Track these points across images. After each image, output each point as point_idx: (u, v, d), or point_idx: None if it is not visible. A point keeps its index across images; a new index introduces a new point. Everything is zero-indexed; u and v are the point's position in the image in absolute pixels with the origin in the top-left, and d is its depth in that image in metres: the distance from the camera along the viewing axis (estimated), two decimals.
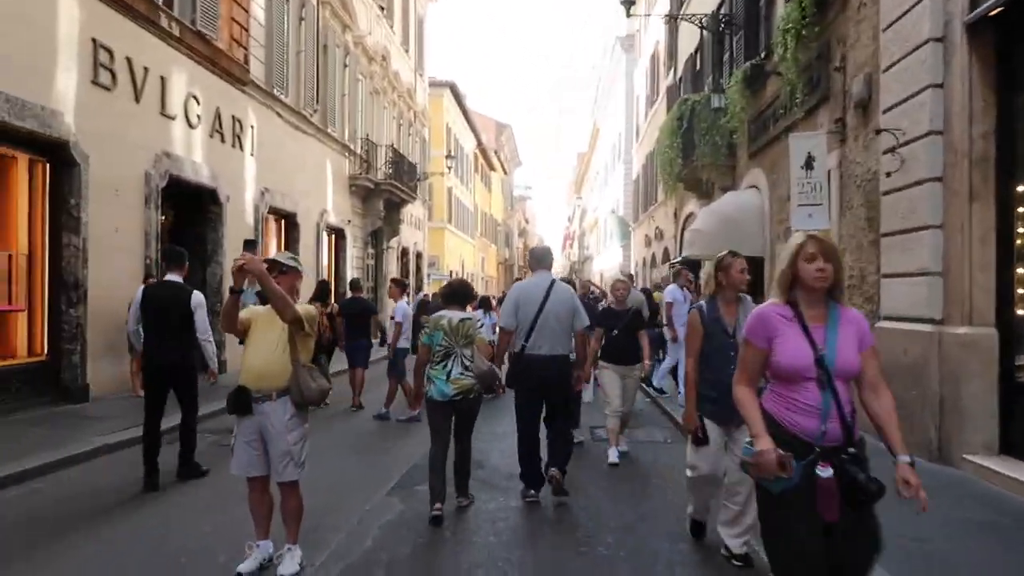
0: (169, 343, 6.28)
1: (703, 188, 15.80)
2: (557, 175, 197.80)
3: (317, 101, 18.45)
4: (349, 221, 21.16)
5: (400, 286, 10.38)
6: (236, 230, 13.91)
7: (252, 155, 14.75)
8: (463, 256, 46.00)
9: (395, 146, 25.63)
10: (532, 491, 5.75)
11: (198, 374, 6.64)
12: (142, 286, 6.93)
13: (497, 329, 6.18)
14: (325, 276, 18.34)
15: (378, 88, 24.29)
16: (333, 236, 20.77)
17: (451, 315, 5.38)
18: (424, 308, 11.79)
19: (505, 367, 5.85)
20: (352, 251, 21.80)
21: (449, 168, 30.73)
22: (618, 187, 41.15)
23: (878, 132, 7.43)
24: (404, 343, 10.07)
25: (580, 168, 76.36)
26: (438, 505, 5.18)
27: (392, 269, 27.14)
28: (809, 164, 8.49)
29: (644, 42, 30.68)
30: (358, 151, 21.85)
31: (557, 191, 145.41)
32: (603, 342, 7.10)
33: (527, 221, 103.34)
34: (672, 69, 21.27)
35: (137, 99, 10.87)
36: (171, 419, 6.69)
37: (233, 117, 13.90)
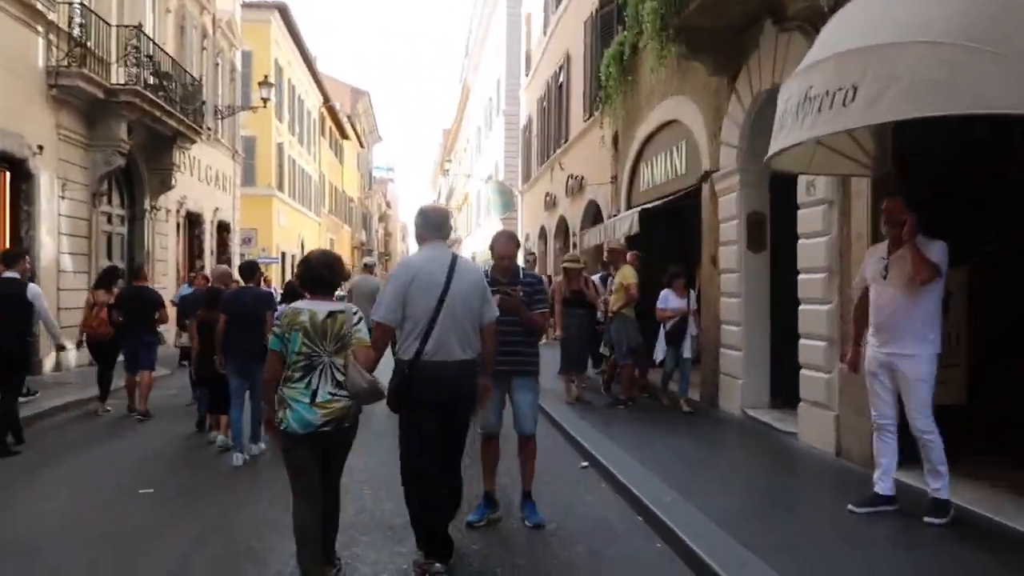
0: (8, 333, 6.92)
1: (751, 34, 7.64)
2: (421, 157, 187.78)
3: None
4: (40, 148, 11.59)
5: None
6: None
7: None
8: (303, 235, 36.44)
9: (168, 52, 16.07)
10: (437, 564, 4.02)
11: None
12: None
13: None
14: None
15: None
16: (8, 173, 11.22)
17: (313, 307, 3.88)
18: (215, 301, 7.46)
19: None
20: (59, 205, 12.28)
21: (265, 101, 21.38)
22: (497, 148, 33.61)
23: None
24: None
25: (447, 143, 68.83)
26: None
27: (169, 243, 17.62)
28: None
29: None
30: (65, 27, 12.30)
31: (422, 174, 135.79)
32: None
33: (389, 205, 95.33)
34: None
35: None
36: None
37: None
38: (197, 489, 5.89)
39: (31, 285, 7.37)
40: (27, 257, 7.75)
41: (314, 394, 3.79)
